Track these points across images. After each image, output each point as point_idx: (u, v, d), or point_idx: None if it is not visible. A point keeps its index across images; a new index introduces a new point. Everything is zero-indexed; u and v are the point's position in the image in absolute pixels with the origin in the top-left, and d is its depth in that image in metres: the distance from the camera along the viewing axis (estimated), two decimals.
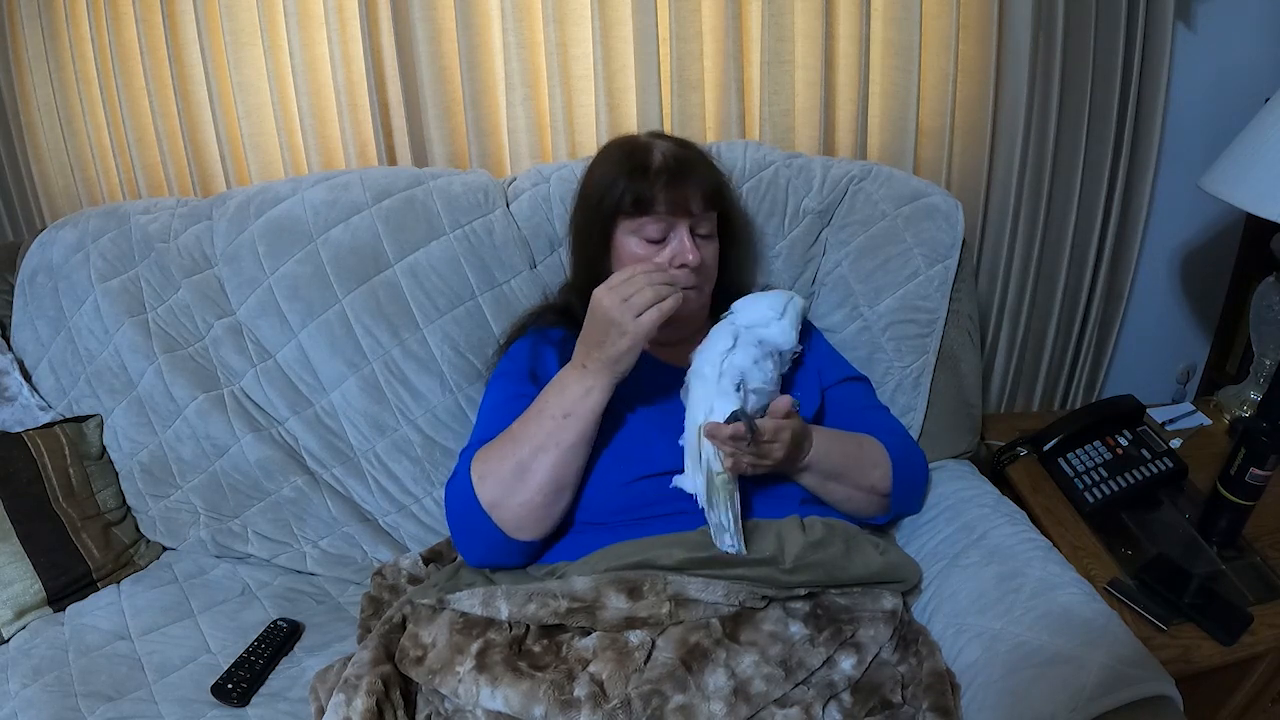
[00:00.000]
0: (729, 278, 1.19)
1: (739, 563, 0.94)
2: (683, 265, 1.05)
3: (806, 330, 1.19)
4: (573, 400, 0.97)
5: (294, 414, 1.33)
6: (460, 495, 1.00)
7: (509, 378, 1.13)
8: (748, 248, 1.29)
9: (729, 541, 0.94)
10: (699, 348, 1.01)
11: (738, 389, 0.95)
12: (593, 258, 1.12)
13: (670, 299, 0.93)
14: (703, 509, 0.97)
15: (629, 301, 0.92)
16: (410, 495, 1.32)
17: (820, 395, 1.16)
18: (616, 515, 1.02)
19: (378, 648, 0.93)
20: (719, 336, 1.00)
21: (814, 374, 1.17)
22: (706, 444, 0.94)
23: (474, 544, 1.02)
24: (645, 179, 1.04)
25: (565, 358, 1.04)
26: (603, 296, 0.93)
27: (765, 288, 1.26)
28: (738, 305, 1.04)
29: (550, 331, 1.17)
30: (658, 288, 0.93)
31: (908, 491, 1.13)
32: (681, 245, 1.05)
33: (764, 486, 1.04)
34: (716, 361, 0.97)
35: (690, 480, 0.98)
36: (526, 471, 0.97)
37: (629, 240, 1.07)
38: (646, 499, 1.02)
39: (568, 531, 1.04)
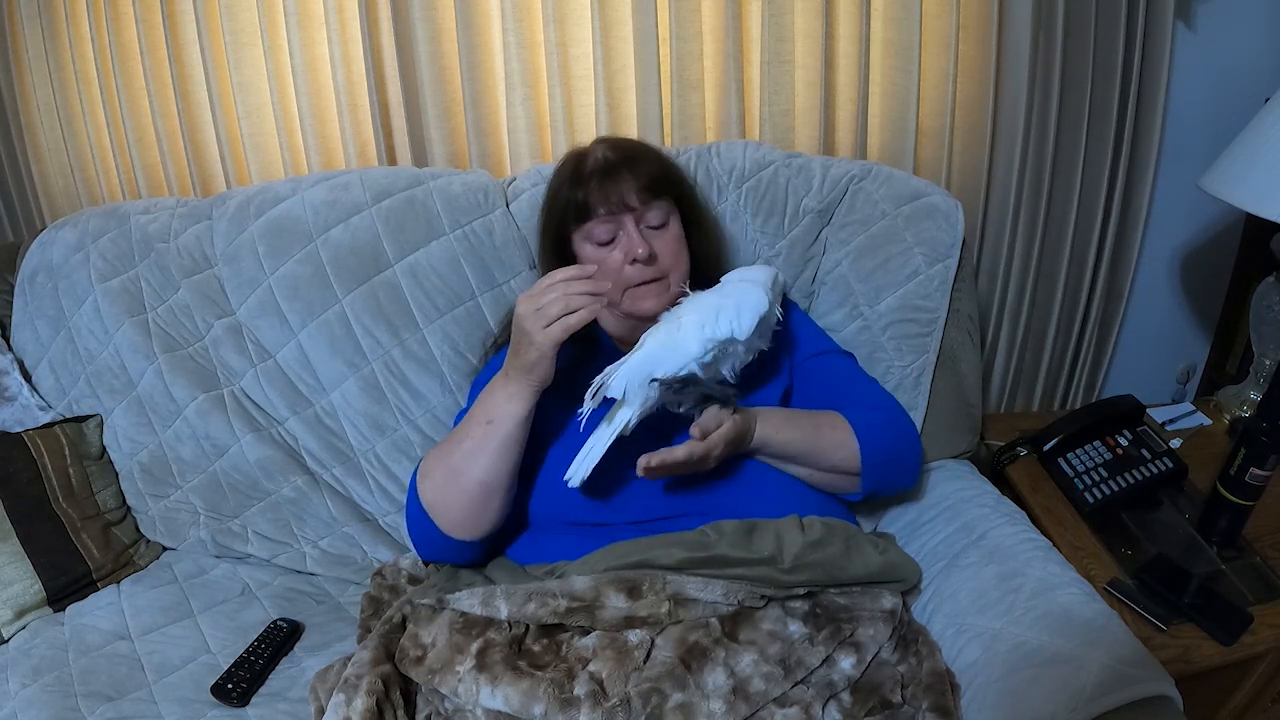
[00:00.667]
0: (703, 270, 1.15)
1: (738, 562, 0.94)
2: (635, 260, 1.05)
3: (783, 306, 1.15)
4: (496, 407, 0.98)
5: (294, 414, 1.33)
6: (409, 494, 1.04)
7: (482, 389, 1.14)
8: (716, 236, 1.25)
9: (582, 474, 0.94)
10: (722, 293, 0.99)
11: (700, 371, 0.95)
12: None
13: (581, 312, 0.91)
14: (587, 427, 0.96)
15: (540, 311, 0.92)
16: None
17: (789, 371, 1.15)
18: (612, 514, 1.02)
19: (378, 648, 0.93)
20: (747, 315, 0.96)
21: (783, 349, 1.15)
22: (629, 409, 0.94)
23: (420, 540, 1.06)
24: (581, 185, 1.06)
25: None
26: (520, 304, 0.94)
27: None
28: (763, 275, 1.02)
29: None
30: (570, 298, 0.91)
31: (883, 468, 1.08)
32: (629, 240, 1.05)
33: (763, 487, 1.04)
34: (714, 342, 0.94)
35: (618, 386, 0.94)
36: (458, 474, 0.99)
37: (584, 247, 1.08)
38: (638, 496, 1.02)
39: (567, 532, 1.04)
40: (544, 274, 1.15)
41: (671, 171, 1.14)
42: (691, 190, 1.18)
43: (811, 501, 1.06)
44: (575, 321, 0.91)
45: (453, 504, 1.01)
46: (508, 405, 0.97)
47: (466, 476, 0.99)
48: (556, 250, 1.11)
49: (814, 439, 1.05)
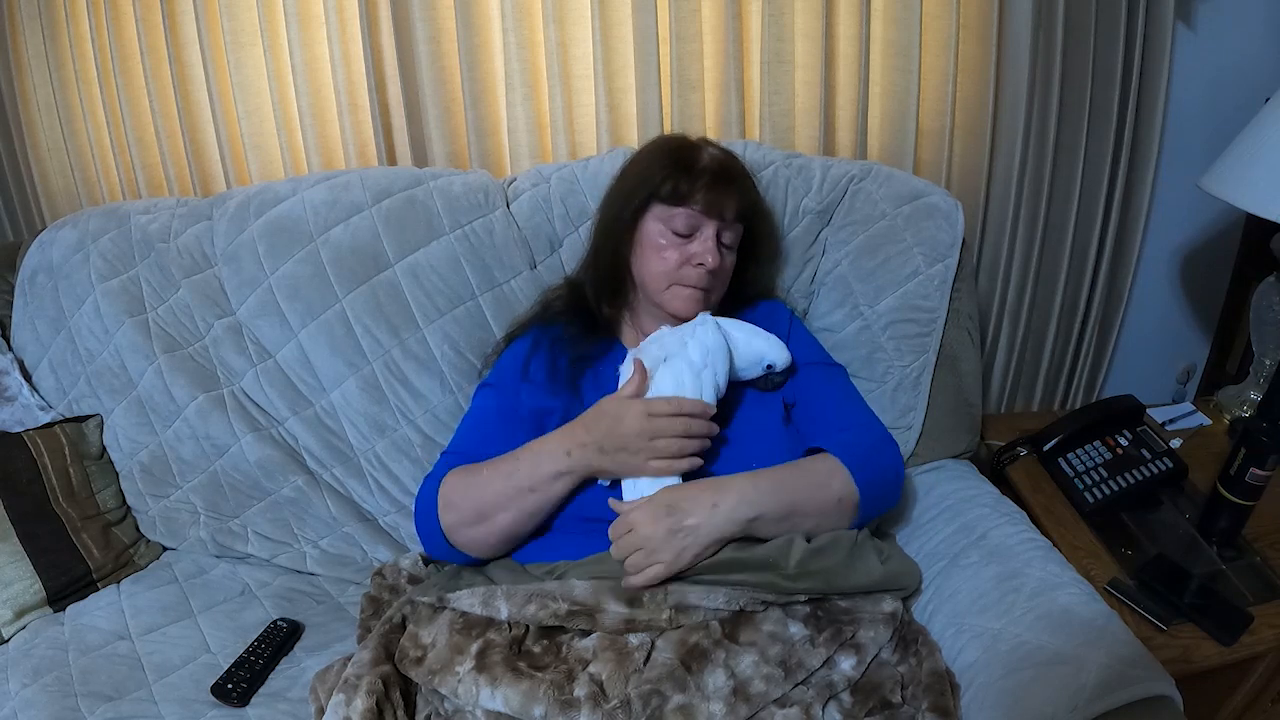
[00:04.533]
0: (741, 290, 1.19)
1: (741, 567, 0.94)
2: (700, 264, 1.07)
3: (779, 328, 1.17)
4: (542, 478, 0.98)
5: (294, 414, 1.33)
6: (425, 505, 1.05)
7: (495, 390, 1.14)
8: (768, 266, 1.27)
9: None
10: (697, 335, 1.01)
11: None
12: (618, 239, 1.13)
13: (685, 461, 0.94)
14: None
15: (654, 444, 0.93)
16: (410, 495, 1.32)
17: (790, 385, 1.12)
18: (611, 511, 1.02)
19: (378, 648, 0.93)
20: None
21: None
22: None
23: (429, 546, 1.07)
24: (689, 174, 1.07)
25: (556, 356, 1.09)
26: (635, 416, 0.94)
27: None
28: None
29: (551, 328, 1.17)
30: (686, 441, 0.93)
31: (875, 501, 1.02)
32: (706, 245, 1.07)
33: None
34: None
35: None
36: (485, 518, 1.00)
37: (655, 227, 1.09)
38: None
39: (568, 529, 1.04)
40: (597, 241, 1.17)
41: (761, 204, 1.18)
42: (766, 227, 1.23)
43: None
44: (681, 467, 0.94)
45: (475, 540, 1.02)
46: (554, 483, 0.98)
47: (494, 524, 1.00)
48: (629, 219, 1.11)
49: (807, 486, 0.98)
